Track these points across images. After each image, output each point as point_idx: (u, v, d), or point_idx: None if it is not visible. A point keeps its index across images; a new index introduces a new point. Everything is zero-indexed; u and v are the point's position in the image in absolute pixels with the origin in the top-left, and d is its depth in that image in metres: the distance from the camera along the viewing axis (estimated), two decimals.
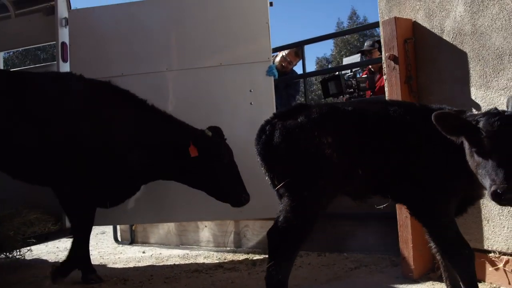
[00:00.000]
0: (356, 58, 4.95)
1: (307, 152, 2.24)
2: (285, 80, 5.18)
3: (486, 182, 1.93)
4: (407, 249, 3.01)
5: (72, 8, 5.27)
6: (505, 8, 2.57)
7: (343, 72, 4.90)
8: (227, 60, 4.77)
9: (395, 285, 3.10)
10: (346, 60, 5.09)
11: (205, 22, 4.85)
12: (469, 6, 2.77)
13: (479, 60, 2.72)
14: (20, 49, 11.61)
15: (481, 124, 1.96)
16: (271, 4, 4.79)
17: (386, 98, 3.14)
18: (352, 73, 4.88)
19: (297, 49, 5.27)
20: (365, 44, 5.16)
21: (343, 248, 4.41)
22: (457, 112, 2.11)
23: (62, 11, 5.14)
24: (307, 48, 5.25)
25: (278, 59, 5.49)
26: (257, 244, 4.91)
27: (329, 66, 30.25)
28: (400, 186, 2.28)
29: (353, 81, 4.78)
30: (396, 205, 3.05)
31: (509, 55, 2.56)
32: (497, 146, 1.91)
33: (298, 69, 5.62)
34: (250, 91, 4.71)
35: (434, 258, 2.83)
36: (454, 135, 2.02)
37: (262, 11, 4.75)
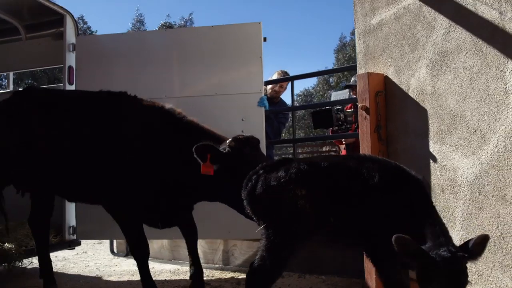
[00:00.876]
0: (344, 93, 5.35)
1: (283, 203, 2.62)
2: (275, 112, 5.60)
3: None
4: (371, 279, 3.42)
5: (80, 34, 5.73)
6: (458, 76, 2.99)
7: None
8: (222, 90, 5.20)
9: None
10: (334, 95, 5.50)
11: (203, 54, 5.28)
12: (431, 69, 3.19)
13: (437, 118, 3.14)
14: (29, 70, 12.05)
15: (435, 264, 2.14)
16: (265, 39, 5.23)
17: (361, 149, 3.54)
18: (340, 106, 5.28)
19: (283, 72, 5.76)
20: (352, 79, 5.57)
21: (323, 270, 4.81)
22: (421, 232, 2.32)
23: (70, 37, 5.59)
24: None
25: (269, 86, 5.90)
26: (244, 262, 5.32)
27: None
28: (362, 237, 2.65)
29: (341, 114, 5.18)
30: None
31: (460, 117, 2.98)
32: None
33: (286, 98, 6.04)
34: (242, 120, 5.12)
35: None
36: (408, 258, 2.20)
37: (256, 45, 5.19)
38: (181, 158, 3.65)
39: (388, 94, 3.53)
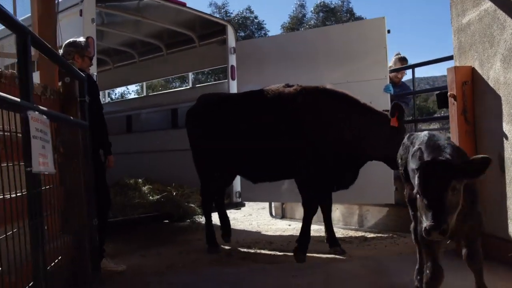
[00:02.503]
0: None
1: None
2: (400, 96, 6.49)
3: (423, 219, 2.44)
4: None
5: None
6: None
7: None
8: (352, 77, 6.30)
9: None
10: None
11: (337, 48, 6.44)
12: (503, 63, 3.93)
13: (507, 103, 3.89)
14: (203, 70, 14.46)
15: (418, 171, 2.46)
16: (388, 31, 6.19)
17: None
18: None
19: (400, 58, 6.63)
20: None
21: None
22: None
23: (231, 42, 7.25)
24: None
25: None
26: (374, 225, 6.47)
27: None
28: None
29: None
30: None
31: None
32: (425, 192, 2.39)
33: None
34: (370, 102, 6.15)
35: None
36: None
37: (381, 38, 6.17)
38: (359, 129, 4.88)
39: (474, 83, 4.33)
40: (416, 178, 2.46)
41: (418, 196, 2.46)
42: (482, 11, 4.20)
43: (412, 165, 2.60)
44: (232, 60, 7.22)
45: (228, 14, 26.71)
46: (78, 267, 3.56)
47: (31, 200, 2.32)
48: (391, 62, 6.83)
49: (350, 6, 25.86)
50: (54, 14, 3.98)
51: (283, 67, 6.71)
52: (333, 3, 25.91)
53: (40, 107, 2.59)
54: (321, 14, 26.19)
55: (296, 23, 25.10)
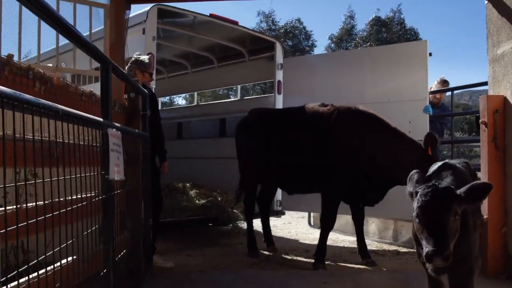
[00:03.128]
0: None
1: None
2: (439, 117, 6.80)
3: (423, 245, 2.33)
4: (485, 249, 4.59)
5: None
6: None
7: None
8: (394, 97, 6.64)
9: None
10: None
11: (379, 69, 6.80)
12: None
13: None
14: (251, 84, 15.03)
15: (417, 195, 2.41)
16: (430, 54, 6.49)
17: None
18: None
19: (442, 80, 6.89)
20: None
21: None
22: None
23: (279, 59, 7.74)
24: None
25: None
26: (408, 240, 6.75)
27: None
28: None
29: None
30: None
31: None
32: (426, 216, 2.33)
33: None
34: (410, 122, 6.47)
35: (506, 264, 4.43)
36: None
37: (422, 60, 6.49)
38: (388, 155, 5.16)
39: (506, 112, 4.63)
40: (416, 202, 2.42)
41: (417, 220, 2.41)
42: None
43: (409, 188, 2.60)
44: (279, 75, 7.70)
45: (275, 23, 27.31)
46: (134, 261, 4.11)
47: (107, 202, 2.86)
48: (433, 84, 7.13)
49: (402, 17, 26.00)
50: (124, 38, 4.57)
51: (328, 84, 7.11)
52: (386, 15, 26.22)
53: (116, 124, 3.14)
54: (374, 27, 26.50)
55: (345, 34, 25.43)
